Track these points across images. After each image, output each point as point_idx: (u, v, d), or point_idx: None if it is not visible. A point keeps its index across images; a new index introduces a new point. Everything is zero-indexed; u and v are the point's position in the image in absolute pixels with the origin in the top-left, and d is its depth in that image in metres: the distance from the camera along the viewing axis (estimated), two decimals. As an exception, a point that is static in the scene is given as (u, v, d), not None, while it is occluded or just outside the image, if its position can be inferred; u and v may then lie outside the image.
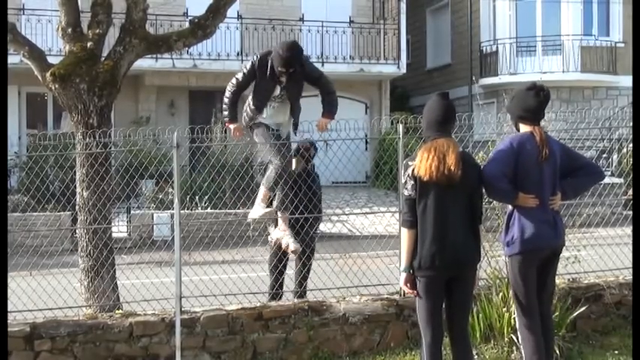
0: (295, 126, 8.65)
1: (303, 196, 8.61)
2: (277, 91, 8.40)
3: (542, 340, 6.52)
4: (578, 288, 8.66)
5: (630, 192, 19.83)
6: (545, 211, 6.45)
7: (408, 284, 6.28)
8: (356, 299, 8.41)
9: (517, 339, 7.66)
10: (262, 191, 8.50)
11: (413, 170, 6.15)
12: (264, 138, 8.45)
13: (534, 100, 6.47)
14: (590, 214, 11.76)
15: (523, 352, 6.63)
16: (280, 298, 8.93)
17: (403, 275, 6.30)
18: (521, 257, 6.47)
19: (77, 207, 9.10)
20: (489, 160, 6.51)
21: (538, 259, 6.49)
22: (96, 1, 9.22)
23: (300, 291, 8.86)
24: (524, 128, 6.55)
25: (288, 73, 8.17)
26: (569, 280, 8.83)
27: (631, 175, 18.94)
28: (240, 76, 8.37)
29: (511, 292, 6.93)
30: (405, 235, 6.22)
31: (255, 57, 8.47)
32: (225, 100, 8.51)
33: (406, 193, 6.20)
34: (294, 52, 8.16)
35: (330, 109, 8.57)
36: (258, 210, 8.50)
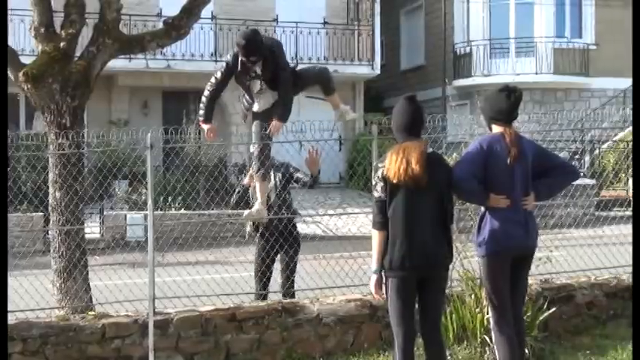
0: (280, 116, 8.26)
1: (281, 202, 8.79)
2: (258, 85, 8.31)
3: (515, 340, 6.56)
4: (550, 288, 8.71)
5: (602, 193, 20.02)
6: (517, 211, 6.48)
7: (378, 286, 6.30)
8: (330, 300, 8.42)
9: (490, 339, 7.71)
10: (257, 184, 8.51)
11: (383, 172, 6.17)
12: (256, 135, 8.40)
13: (506, 102, 6.52)
14: (563, 215, 11.88)
15: (496, 353, 6.66)
16: (265, 298, 8.92)
17: (374, 277, 6.32)
18: (493, 258, 6.51)
19: (50, 208, 9.04)
20: (459, 162, 6.56)
21: (509, 259, 6.52)
22: (69, 0, 9.16)
23: (284, 291, 8.88)
24: (496, 129, 6.59)
25: (251, 62, 8.05)
26: (541, 280, 8.89)
27: (603, 177, 19.09)
28: (218, 74, 8.31)
29: (484, 292, 6.97)
30: (376, 236, 6.24)
31: (229, 54, 8.41)
32: (203, 99, 8.39)
33: (376, 194, 6.23)
34: (250, 40, 7.98)
35: (280, 113, 8.25)
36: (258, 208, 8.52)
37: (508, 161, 6.41)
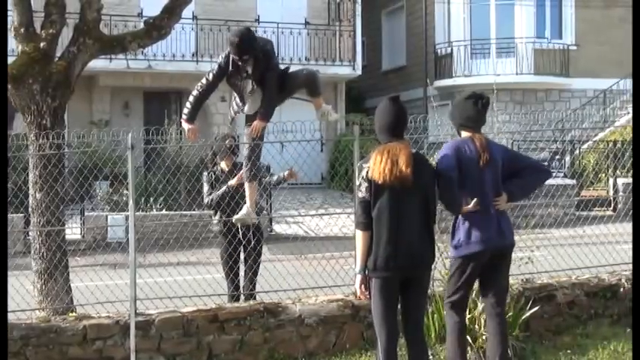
0: (262, 115, 8.14)
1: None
2: (249, 85, 8.23)
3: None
4: (531, 288, 8.74)
5: (582, 193, 20.13)
6: (488, 213, 6.59)
7: (362, 286, 6.31)
8: (312, 300, 8.42)
9: (471, 339, 7.73)
10: (247, 186, 8.46)
11: (367, 173, 6.17)
12: (247, 137, 8.35)
13: (473, 109, 6.69)
14: (544, 214, 11.92)
15: (448, 351, 6.83)
16: (238, 299, 8.94)
17: (358, 277, 6.33)
18: (466, 260, 6.65)
19: (30, 209, 9.00)
20: (442, 167, 6.58)
21: (482, 261, 6.63)
22: (49, 0, 9.13)
23: (249, 290, 8.90)
24: (465, 135, 6.72)
25: (243, 60, 8.00)
26: (522, 280, 8.91)
27: (583, 177, 19.19)
28: (209, 76, 8.21)
29: (446, 289, 7.05)
30: (360, 237, 6.24)
31: (221, 56, 8.33)
32: (190, 98, 8.22)
33: (360, 195, 6.22)
34: (243, 38, 7.87)
35: (262, 112, 8.15)
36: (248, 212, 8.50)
37: (480, 165, 6.53)
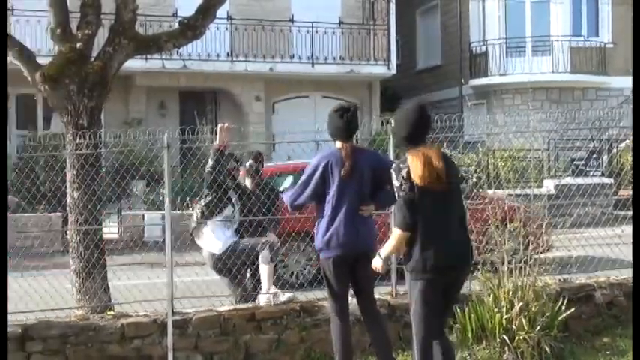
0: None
1: (261, 205, 9.06)
2: None
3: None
4: (569, 288, 8.67)
5: (620, 192, 19.94)
6: (350, 218, 6.99)
7: (381, 267, 6.45)
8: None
9: (509, 339, 7.69)
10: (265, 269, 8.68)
11: (408, 173, 6.12)
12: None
13: (340, 121, 7.09)
14: (581, 214, 11.80)
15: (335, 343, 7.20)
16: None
17: (380, 261, 6.41)
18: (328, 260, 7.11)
19: (68, 208, 9.07)
20: (306, 172, 7.15)
21: (346, 261, 7.06)
22: (85, 1, 9.19)
23: (255, 294, 8.91)
24: (338, 144, 7.16)
25: None
26: (560, 280, 8.85)
27: (621, 176, 19.01)
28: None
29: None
30: (398, 236, 6.20)
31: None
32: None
33: (403, 195, 6.16)
34: None
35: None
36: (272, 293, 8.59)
37: (341, 174, 6.96)
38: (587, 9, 28.48)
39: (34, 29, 21.01)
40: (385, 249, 6.38)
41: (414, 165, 6.11)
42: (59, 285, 8.90)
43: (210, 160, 8.82)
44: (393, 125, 6.70)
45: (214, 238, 8.83)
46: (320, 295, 8.31)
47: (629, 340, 8.30)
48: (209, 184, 8.83)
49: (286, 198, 7.24)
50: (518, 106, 27.02)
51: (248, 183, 9.23)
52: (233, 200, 9.07)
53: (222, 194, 8.86)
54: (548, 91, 27.08)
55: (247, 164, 9.27)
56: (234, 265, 8.70)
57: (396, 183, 6.24)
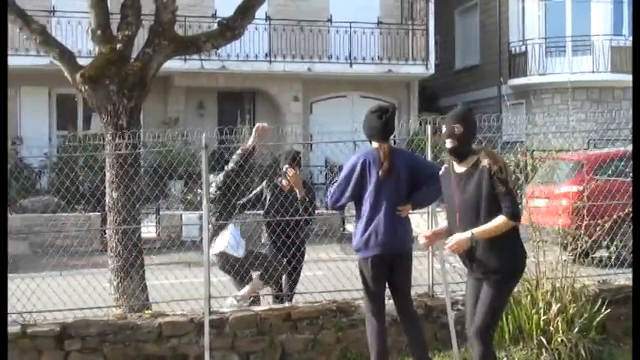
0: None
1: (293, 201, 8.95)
2: None
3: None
4: (608, 290, 8.60)
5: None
6: (388, 219, 6.97)
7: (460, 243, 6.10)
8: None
9: (546, 341, 7.64)
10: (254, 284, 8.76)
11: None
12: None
13: (377, 122, 7.13)
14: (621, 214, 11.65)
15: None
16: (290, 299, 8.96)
17: (467, 237, 6.07)
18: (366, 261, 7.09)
19: (107, 208, 9.14)
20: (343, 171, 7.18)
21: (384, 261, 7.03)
22: (125, 2, 9.27)
23: (291, 294, 8.93)
24: (374, 144, 7.16)
25: None
26: (599, 281, 8.77)
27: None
28: None
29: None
30: (508, 226, 6.07)
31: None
32: None
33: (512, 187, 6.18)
34: None
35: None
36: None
37: (379, 173, 6.98)
38: (629, 8, 28.16)
39: (74, 30, 21.25)
40: (482, 229, 6.06)
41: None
42: (97, 284, 8.99)
43: (231, 162, 8.78)
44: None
45: (233, 240, 8.74)
46: (356, 296, 8.31)
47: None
48: (223, 185, 8.78)
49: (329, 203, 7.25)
50: (558, 106, 26.78)
51: (285, 182, 9.21)
52: (266, 198, 9.10)
53: (232, 196, 8.84)
54: (588, 91, 26.81)
55: (284, 168, 9.13)
56: (242, 267, 8.70)
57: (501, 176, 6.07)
